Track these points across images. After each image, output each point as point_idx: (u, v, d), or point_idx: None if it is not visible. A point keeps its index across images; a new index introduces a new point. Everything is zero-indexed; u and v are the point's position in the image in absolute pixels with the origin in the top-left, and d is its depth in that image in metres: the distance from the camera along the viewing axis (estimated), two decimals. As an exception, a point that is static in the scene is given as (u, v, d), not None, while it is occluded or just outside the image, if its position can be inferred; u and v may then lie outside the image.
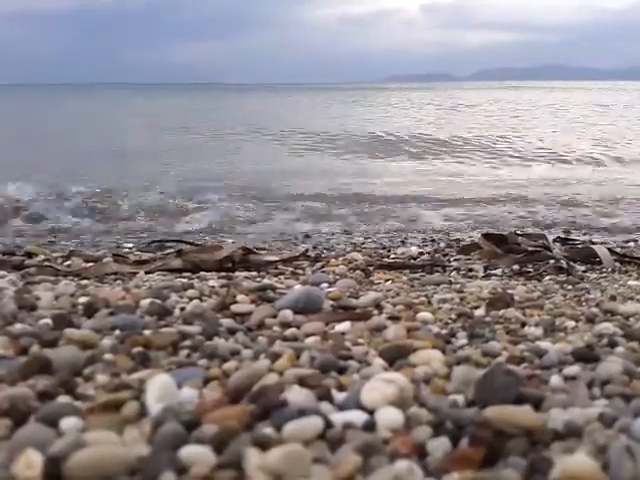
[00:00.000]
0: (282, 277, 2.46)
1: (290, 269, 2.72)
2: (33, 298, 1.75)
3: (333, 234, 4.30)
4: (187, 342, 1.38)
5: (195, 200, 5.49)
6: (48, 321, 1.50)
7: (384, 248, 3.53)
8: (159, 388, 1.01)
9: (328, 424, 0.92)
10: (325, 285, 2.11)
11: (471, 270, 2.69)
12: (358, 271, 2.59)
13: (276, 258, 2.88)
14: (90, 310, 1.63)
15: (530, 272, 2.62)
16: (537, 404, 1.02)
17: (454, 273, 2.62)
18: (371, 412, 0.97)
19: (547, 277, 2.50)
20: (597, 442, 0.88)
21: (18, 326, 1.46)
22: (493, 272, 2.65)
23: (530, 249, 2.99)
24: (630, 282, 2.35)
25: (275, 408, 0.96)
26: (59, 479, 0.81)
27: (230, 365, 1.24)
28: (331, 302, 1.80)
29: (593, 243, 3.44)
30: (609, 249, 3.01)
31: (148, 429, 0.93)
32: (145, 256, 3.09)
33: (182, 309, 1.70)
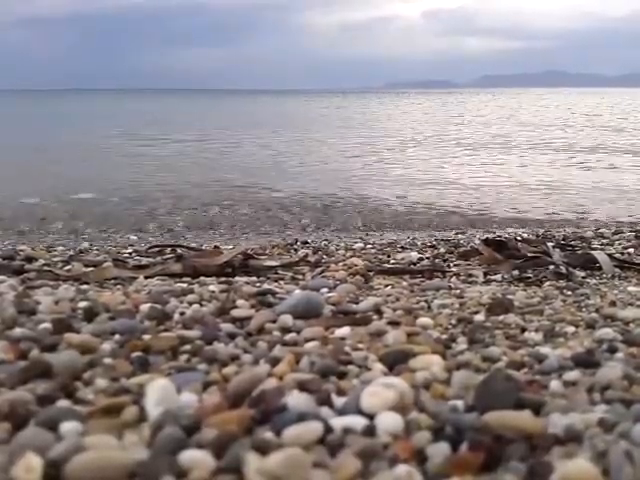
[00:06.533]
0: (282, 282, 2.46)
1: (290, 274, 2.72)
2: (33, 302, 1.75)
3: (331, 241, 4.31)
4: (187, 347, 1.38)
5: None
6: (48, 325, 1.50)
7: (384, 253, 3.53)
8: (159, 392, 1.01)
9: (328, 429, 0.92)
10: (325, 290, 2.11)
11: (471, 275, 2.69)
12: (358, 276, 2.59)
13: (276, 263, 2.89)
14: (90, 314, 1.63)
15: (530, 278, 2.62)
16: (537, 409, 1.02)
17: (454, 278, 2.62)
18: (371, 417, 0.97)
19: (547, 283, 2.50)
20: (597, 447, 0.88)
21: (18, 330, 1.45)
22: (493, 278, 2.65)
23: (530, 255, 2.99)
24: (630, 288, 2.35)
25: (275, 413, 0.96)
26: (58, 483, 0.81)
27: (230, 370, 1.24)
28: (331, 307, 1.80)
29: (593, 249, 3.44)
30: (609, 255, 3.01)
31: (147, 433, 0.93)
32: (145, 261, 3.09)
33: (182, 314, 1.69)
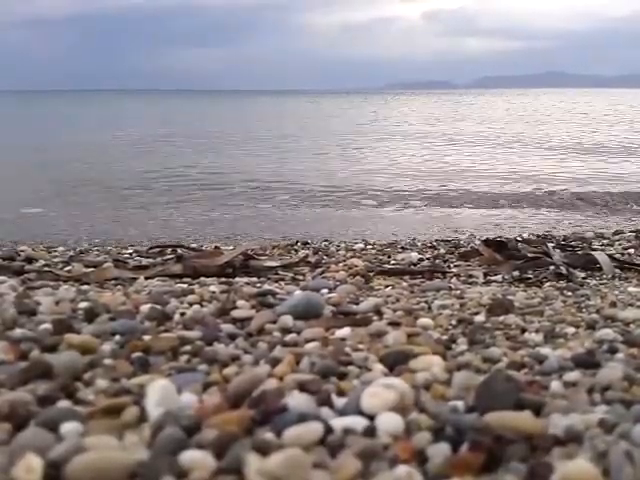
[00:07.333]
0: (282, 283, 2.46)
1: (290, 275, 2.72)
2: (33, 303, 1.75)
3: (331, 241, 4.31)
4: (187, 347, 1.38)
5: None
6: (48, 326, 1.50)
7: (384, 254, 3.53)
8: (159, 393, 1.01)
9: (328, 429, 0.92)
10: (325, 291, 2.11)
11: (471, 276, 2.69)
12: (358, 277, 2.59)
13: (276, 264, 2.89)
14: (90, 315, 1.63)
15: (530, 278, 2.62)
16: (537, 410, 1.02)
17: (454, 279, 2.62)
18: (371, 417, 0.97)
19: (547, 283, 2.50)
20: (597, 448, 0.88)
21: (18, 331, 1.46)
22: (493, 278, 2.66)
23: (530, 255, 3.00)
24: (630, 288, 2.35)
25: (275, 413, 0.96)
26: (59, 484, 0.81)
27: (230, 370, 1.24)
28: (331, 308, 1.80)
29: (593, 250, 3.44)
30: (609, 256, 3.01)
31: (148, 434, 0.93)
32: (145, 261, 3.09)
33: (182, 314, 1.70)
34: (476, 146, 12.68)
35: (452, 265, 3.07)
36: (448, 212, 6.13)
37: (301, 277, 2.69)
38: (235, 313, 1.70)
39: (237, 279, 2.47)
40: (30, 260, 3.06)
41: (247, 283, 2.33)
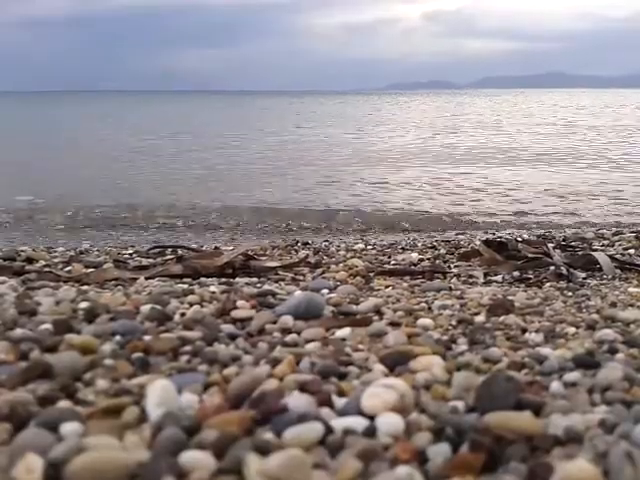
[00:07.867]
0: (282, 283, 2.46)
1: (290, 275, 2.72)
2: (34, 303, 1.75)
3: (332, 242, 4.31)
4: (187, 348, 1.38)
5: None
6: (49, 326, 1.50)
7: (384, 254, 3.53)
8: (159, 393, 1.01)
9: (328, 430, 0.92)
10: (325, 291, 2.11)
11: (471, 276, 2.69)
12: (358, 277, 2.59)
13: (277, 264, 2.89)
14: (90, 315, 1.63)
15: (530, 279, 2.62)
16: (537, 410, 1.02)
17: (454, 279, 2.62)
18: (371, 418, 0.97)
19: (547, 284, 2.50)
20: (597, 448, 0.88)
21: (19, 331, 1.45)
22: (493, 278, 2.65)
23: (530, 256, 2.99)
24: (630, 289, 2.35)
25: (275, 414, 0.96)
26: (59, 484, 0.81)
27: (230, 371, 1.24)
28: (331, 308, 1.80)
29: (594, 250, 3.44)
30: (610, 256, 3.01)
31: (148, 434, 0.93)
32: (145, 262, 3.09)
33: (182, 315, 1.69)
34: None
35: (452, 265, 3.07)
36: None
37: (301, 277, 2.69)
38: (235, 313, 1.70)
39: (237, 279, 2.47)
40: (30, 260, 3.06)
41: (247, 283, 2.33)
